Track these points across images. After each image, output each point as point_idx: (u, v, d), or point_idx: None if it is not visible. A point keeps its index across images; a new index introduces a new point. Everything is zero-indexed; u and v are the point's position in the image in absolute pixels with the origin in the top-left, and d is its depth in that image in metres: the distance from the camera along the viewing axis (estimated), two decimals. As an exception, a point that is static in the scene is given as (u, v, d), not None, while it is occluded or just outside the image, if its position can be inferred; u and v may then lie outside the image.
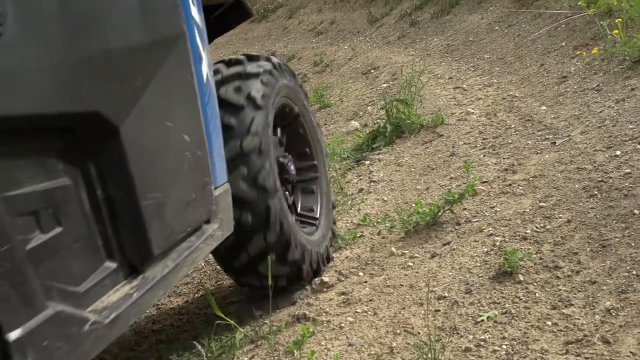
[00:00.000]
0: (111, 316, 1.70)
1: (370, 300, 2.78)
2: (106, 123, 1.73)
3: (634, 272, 2.44)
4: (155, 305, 3.27)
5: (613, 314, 2.27)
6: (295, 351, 2.40)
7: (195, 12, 2.30)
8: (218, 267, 3.53)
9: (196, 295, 3.31)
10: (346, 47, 9.83)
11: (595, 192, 3.10)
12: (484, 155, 4.05)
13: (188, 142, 2.09)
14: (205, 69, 2.36)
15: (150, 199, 1.89)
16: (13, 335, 1.40)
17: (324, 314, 2.74)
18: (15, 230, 1.43)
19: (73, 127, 1.68)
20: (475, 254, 2.91)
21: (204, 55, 2.35)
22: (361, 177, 4.37)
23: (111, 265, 1.80)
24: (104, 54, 1.71)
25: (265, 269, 2.69)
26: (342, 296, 2.86)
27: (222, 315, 2.53)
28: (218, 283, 3.36)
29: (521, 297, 2.50)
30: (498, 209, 3.26)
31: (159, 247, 1.93)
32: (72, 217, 1.65)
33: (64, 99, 1.59)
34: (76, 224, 1.67)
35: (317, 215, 3.30)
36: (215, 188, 2.34)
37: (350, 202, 3.89)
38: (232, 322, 2.67)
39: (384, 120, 5.20)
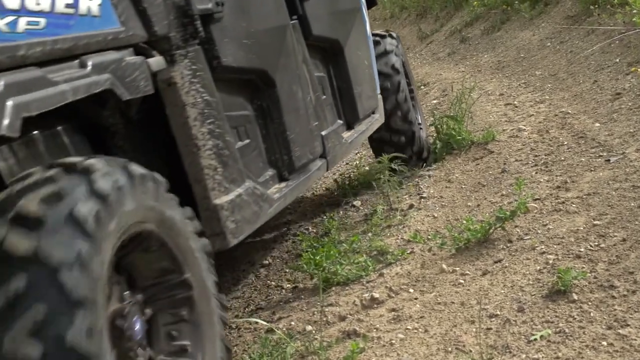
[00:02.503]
0: (350, 140, 3.72)
1: (421, 317, 2.77)
2: (339, 46, 3.73)
3: (693, 293, 2.39)
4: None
5: (671, 335, 2.22)
6: (345, 367, 2.42)
7: None
8: (268, 281, 3.57)
9: (246, 309, 3.34)
10: (395, 63, 9.84)
11: (652, 211, 3.04)
12: (536, 172, 4.01)
13: (367, 65, 4.14)
14: (368, 28, 4.35)
15: (357, 89, 3.84)
16: (325, 132, 3.40)
17: (375, 330, 2.75)
18: (318, 86, 3.44)
19: (327, 47, 3.68)
20: (527, 272, 2.88)
21: (367, 20, 4.36)
22: (411, 193, 4.36)
23: (340, 121, 3.75)
24: (339, 11, 3.80)
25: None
26: (393, 312, 2.86)
27: (273, 328, 2.55)
28: (268, 298, 3.38)
29: (575, 317, 2.47)
30: (551, 227, 3.22)
31: (361, 113, 3.89)
32: (328, 92, 3.66)
33: (331, 30, 3.65)
34: (329, 96, 3.66)
35: (420, 121, 5.01)
36: (378, 94, 4.28)
37: (400, 218, 3.89)
38: (283, 336, 2.70)
39: (433, 137, 5.19)
